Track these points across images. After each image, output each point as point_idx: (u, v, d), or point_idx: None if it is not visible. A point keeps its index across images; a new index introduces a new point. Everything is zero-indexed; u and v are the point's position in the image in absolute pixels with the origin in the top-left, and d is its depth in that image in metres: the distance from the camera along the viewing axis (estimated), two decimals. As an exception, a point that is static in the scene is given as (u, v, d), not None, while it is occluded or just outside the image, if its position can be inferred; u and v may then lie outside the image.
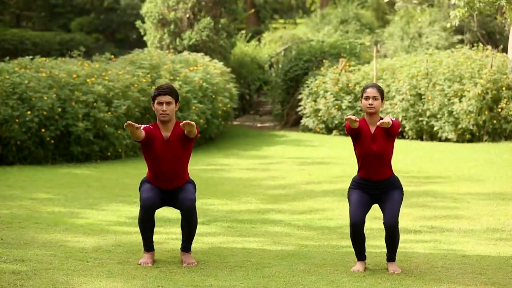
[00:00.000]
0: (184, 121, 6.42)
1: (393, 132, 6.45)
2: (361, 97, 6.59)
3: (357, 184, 6.63)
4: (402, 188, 6.63)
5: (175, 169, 6.67)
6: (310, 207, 10.21)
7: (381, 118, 6.50)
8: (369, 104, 6.50)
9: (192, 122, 6.41)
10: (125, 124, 6.30)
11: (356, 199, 6.54)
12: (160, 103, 6.59)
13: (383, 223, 6.48)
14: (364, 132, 6.50)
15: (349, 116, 6.29)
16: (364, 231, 6.54)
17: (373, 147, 6.47)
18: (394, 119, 6.44)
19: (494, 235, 8.30)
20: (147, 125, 6.65)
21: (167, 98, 6.59)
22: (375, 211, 8.85)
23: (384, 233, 6.74)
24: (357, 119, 6.35)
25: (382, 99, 6.54)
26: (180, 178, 6.73)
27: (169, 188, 6.72)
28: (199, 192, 10.52)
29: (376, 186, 6.56)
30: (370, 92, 6.52)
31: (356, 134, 6.50)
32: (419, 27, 25.90)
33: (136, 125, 6.36)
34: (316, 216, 9.54)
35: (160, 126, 6.67)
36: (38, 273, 6.09)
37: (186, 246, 6.71)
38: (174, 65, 17.49)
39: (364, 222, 6.49)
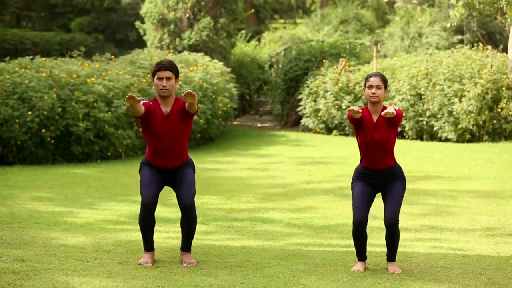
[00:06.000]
0: (186, 91, 6.33)
1: (395, 122, 6.40)
2: (364, 86, 6.51)
3: (359, 175, 6.56)
4: (404, 179, 6.56)
5: (175, 146, 6.59)
6: (310, 206, 10.21)
7: (384, 107, 6.48)
8: (372, 93, 6.43)
9: (194, 93, 6.34)
10: (127, 96, 6.23)
11: (359, 194, 6.49)
12: (160, 79, 6.54)
13: (384, 220, 6.47)
14: (367, 121, 6.44)
15: (351, 108, 6.23)
16: (366, 229, 6.53)
17: (375, 136, 6.41)
18: (397, 108, 6.39)
19: (494, 234, 8.30)
20: (147, 101, 6.59)
21: (167, 73, 6.53)
22: (375, 210, 8.86)
23: (384, 232, 6.75)
24: (360, 110, 6.30)
25: (386, 88, 6.48)
26: (180, 155, 6.65)
27: (168, 168, 6.64)
28: (199, 192, 10.53)
29: (378, 175, 6.50)
30: (373, 81, 6.45)
31: (359, 123, 6.44)
32: (419, 27, 25.90)
33: (138, 97, 6.31)
34: (316, 215, 9.54)
35: (160, 102, 6.60)
36: (38, 273, 6.09)
37: (186, 246, 6.69)
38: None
39: (367, 220, 6.47)
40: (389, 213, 6.43)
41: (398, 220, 6.46)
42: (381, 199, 6.66)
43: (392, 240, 6.50)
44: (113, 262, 6.64)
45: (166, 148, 6.58)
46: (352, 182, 6.61)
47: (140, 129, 15.99)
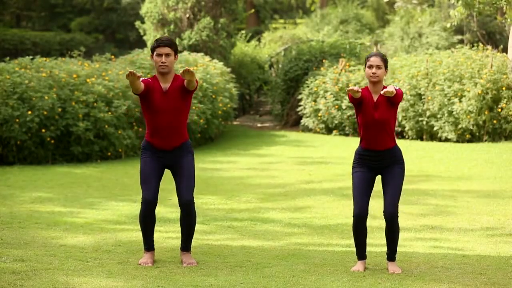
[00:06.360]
0: (184, 68, 6.34)
1: (395, 101, 6.39)
2: (365, 66, 6.51)
3: (359, 157, 6.55)
4: (403, 163, 6.56)
5: (174, 123, 6.58)
6: (310, 206, 10.21)
7: (385, 87, 6.48)
8: (372, 73, 6.43)
9: (192, 70, 6.34)
10: (127, 73, 6.24)
11: (359, 182, 6.48)
12: (159, 55, 6.54)
13: (383, 212, 6.47)
14: (367, 100, 6.44)
15: (351, 87, 6.23)
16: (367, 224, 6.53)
17: (374, 115, 6.42)
18: (397, 87, 6.40)
19: (494, 234, 8.29)
20: (146, 78, 6.59)
21: (166, 49, 6.53)
22: (375, 211, 8.85)
23: (384, 232, 6.74)
24: (359, 90, 6.31)
25: (386, 67, 6.47)
26: (179, 134, 6.63)
27: (168, 148, 6.62)
28: (199, 192, 10.54)
29: (378, 156, 6.49)
30: (374, 60, 6.44)
31: (359, 103, 6.45)
32: (419, 27, 25.90)
33: (138, 74, 6.31)
34: (316, 215, 9.54)
35: (159, 78, 6.61)
36: (38, 273, 6.10)
37: (185, 245, 6.69)
38: (174, 65, 17.49)
39: (367, 212, 6.47)
40: (389, 205, 6.44)
41: (397, 212, 6.46)
42: (381, 198, 6.66)
43: (392, 235, 6.50)
44: (113, 262, 6.64)
45: (166, 125, 6.56)
46: (352, 168, 6.61)
47: (140, 129, 16.00)
